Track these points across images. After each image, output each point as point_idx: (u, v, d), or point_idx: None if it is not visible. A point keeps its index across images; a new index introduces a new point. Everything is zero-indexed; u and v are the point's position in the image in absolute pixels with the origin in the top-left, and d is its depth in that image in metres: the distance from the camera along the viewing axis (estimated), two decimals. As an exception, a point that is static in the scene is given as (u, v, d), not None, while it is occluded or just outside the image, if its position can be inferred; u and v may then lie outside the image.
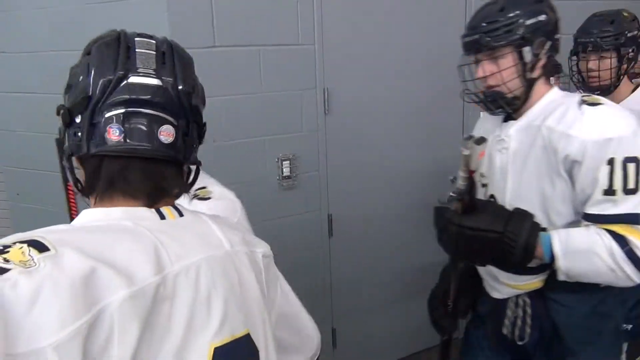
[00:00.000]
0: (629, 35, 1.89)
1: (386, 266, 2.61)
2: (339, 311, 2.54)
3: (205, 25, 1.97)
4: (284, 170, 2.25)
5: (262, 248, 0.85)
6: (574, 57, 2.00)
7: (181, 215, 0.75)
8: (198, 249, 0.72)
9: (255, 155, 2.18)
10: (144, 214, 0.71)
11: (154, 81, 0.70)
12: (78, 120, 0.69)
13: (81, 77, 0.70)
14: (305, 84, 2.22)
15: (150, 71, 0.70)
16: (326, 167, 2.35)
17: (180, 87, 0.71)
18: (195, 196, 1.27)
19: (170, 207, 0.75)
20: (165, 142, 0.70)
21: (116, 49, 0.70)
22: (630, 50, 1.89)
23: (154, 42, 0.73)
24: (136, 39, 0.72)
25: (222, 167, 1.95)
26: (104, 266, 0.59)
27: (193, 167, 0.81)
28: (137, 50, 0.70)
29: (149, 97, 0.69)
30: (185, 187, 0.79)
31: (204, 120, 0.79)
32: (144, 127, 0.69)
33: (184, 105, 0.72)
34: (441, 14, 2.54)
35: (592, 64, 1.92)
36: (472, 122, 2.76)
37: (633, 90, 1.98)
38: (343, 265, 2.50)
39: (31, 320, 0.52)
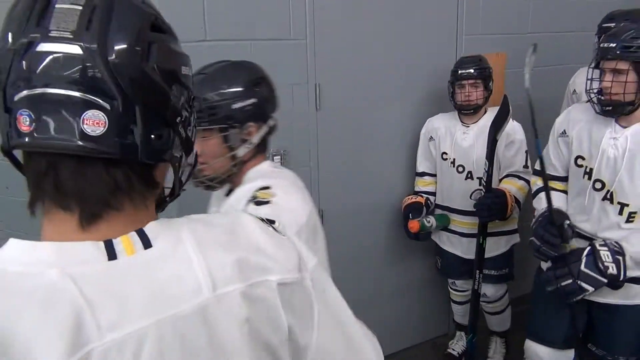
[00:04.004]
0: None
1: (376, 261, 2.62)
2: (329, 307, 2.55)
3: (196, 18, 1.96)
4: (274, 165, 2.25)
5: (279, 274, 0.61)
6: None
7: (148, 246, 0.56)
8: (148, 308, 0.53)
9: (246, 150, 2.17)
10: (85, 254, 0.53)
11: (69, 48, 0.50)
12: None
13: None
14: (296, 79, 2.22)
15: (67, 34, 0.51)
16: (317, 163, 2.35)
17: (110, 58, 0.51)
18: (254, 198, 1.06)
19: (132, 236, 0.56)
20: (92, 133, 0.51)
21: (31, 3, 0.52)
22: None
23: None
24: None
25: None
26: None
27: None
28: (56, 5, 0.51)
29: (57, 72, 0.50)
30: (146, 195, 0.59)
31: (182, 99, 0.60)
32: (53, 115, 0.51)
33: (118, 81, 0.52)
34: (433, 11, 2.54)
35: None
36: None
37: None
38: (334, 260, 2.48)
39: None
